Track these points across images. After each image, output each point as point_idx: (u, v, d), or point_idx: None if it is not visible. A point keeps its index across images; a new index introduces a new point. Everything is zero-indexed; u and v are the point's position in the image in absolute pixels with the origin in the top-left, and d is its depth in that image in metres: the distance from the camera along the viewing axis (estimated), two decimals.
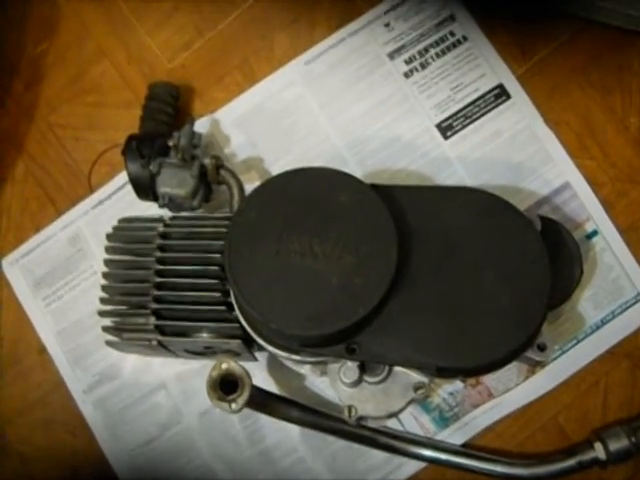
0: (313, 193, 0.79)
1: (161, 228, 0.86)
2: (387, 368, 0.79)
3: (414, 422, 0.93)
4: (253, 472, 0.94)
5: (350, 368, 0.78)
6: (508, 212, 0.81)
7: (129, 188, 0.92)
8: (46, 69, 1.05)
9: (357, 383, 0.79)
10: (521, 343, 0.77)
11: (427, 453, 0.90)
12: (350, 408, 0.79)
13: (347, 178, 0.80)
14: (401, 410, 0.80)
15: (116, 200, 1.00)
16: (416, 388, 0.79)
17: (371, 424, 0.87)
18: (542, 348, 0.81)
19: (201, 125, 0.99)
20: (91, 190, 1.01)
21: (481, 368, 0.78)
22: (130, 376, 0.97)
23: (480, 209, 0.81)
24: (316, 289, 0.75)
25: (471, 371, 0.79)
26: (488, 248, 0.79)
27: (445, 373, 0.78)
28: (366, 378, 0.79)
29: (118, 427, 0.97)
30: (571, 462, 0.88)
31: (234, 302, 0.80)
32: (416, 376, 0.79)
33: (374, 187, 0.80)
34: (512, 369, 0.93)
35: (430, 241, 0.79)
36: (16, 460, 0.99)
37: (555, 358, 0.93)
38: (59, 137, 1.03)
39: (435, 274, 0.78)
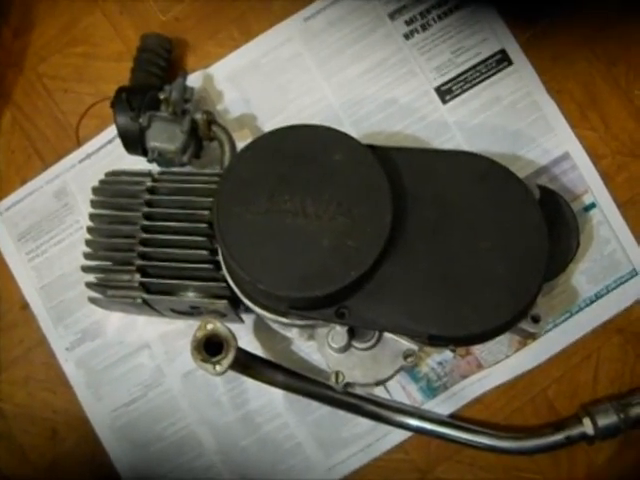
0: (307, 151, 0.77)
1: (149, 183, 0.83)
2: (377, 334, 0.77)
3: (401, 391, 0.92)
4: (236, 436, 0.93)
5: (339, 333, 0.76)
6: (507, 179, 0.79)
7: (118, 142, 0.89)
8: (36, 18, 1.02)
9: (345, 349, 0.77)
10: (515, 314, 0.75)
11: (413, 422, 0.88)
12: (337, 374, 0.77)
13: (342, 137, 0.77)
14: (389, 377, 0.79)
15: (104, 154, 0.98)
16: (405, 356, 0.77)
17: (358, 391, 0.85)
18: (536, 320, 0.79)
19: (194, 80, 0.96)
20: (79, 143, 0.98)
21: (473, 337, 0.76)
22: (114, 335, 0.95)
23: (479, 174, 0.79)
24: (307, 250, 0.73)
25: (463, 340, 0.77)
26: (485, 215, 0.77)
27: (436, 341, 0.76)
28: (355, 344, 0.77)
29: (100, 386, 0.95)
30: (559, 436, 0.87)
31: (222, 261, 0.78)
32: (406, 343, 0.77)
33: (370, 147, 0.78)
34: (503, 340, 0.91)
35: (426, 205, 0.77)
36: None
37: (547, 331, 0.92)
38: (48, 88, 1.00)
39: (430, 239, 0.76)
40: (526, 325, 0.79)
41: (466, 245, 0.76)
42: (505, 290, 0.75)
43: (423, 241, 0.76)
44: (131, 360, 0.95)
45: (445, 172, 0.79)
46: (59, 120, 1.00)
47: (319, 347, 0.79)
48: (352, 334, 0.77)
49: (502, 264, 0.75)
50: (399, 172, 0.78)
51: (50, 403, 0.96)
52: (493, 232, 0.76)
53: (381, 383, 0.80)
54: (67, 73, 1.00)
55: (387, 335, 0.78)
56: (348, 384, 0.78)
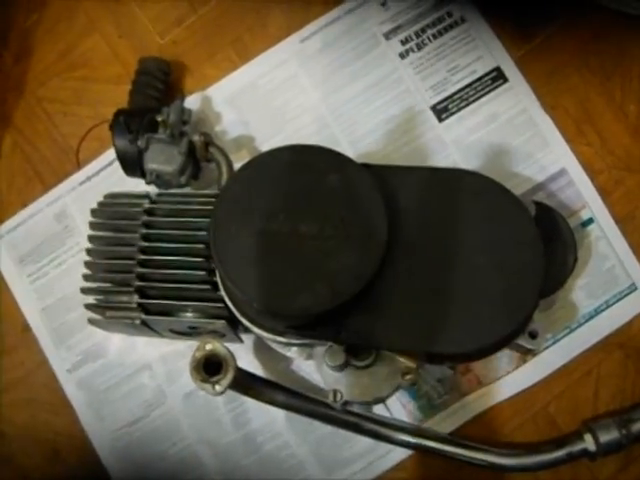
0: (302, 171, 0.77)
1: (147, 204, 0.84)
2: (374, 352, 0.77)
3: (401, 409, 0.92)
4: (237, 456, 0.93)
5: (336, 351, 0.76)
6: (502, 196, 0.79)
7: (117, 164, 0.90)
8: (35, 42, 1.03)
9: (343, 367, 0.77)
10: (512, 330, 0.75)
11: (413, 441, 0.87)
12: (335, 392, 0.77)
13: (337, 156, 0.78)
14: (388, 396, 0.79)
15: (104, 176, 0.98)
16: (404, 373, 0.77)
17: (357, 410, 0.85)
18: (534, 336, 0.79)
19: (192, 102, 0.97)
20: (79, 166, 0.99)
21: (470, 354, 0.76)
22: (115, 356, 0.95)
23: (474, 192, 0.79)
24: (302, 270, 0.73)
25: (460, 357, 0.77)
26: (481, 232, 0.77)
27: (434, 359, 0.76)
28: (353, 362, 0.77)
29: (101, 407, 0.95)
30: (560, 453, 0.87)
31: (219, 281, 0.79)
32: (404, 361, 0.77)
33: (365, 166, 0.78)
34: (502, 357, 0.91)
35: (422, 223, 0.77)
36: None
37: (547, 347, 0.91)
38: (47, 112, 1.01)
39: (425, 257, 0.76)
40: (524, 341, 0.79)
41: (462, 262, 0.76)
42: (501, 306, 0.75)
43: (418, 259, 0.76)
44: (132, 381, 0.95)
45: (439, 190, 0.79)
46: (59, 143, 1.01)
47: (317, 366, 0.79)
48: (350, 352, 0.76)
49: (498, 280, 0.75)
50: (394, 191, 0.78)
51: (52, 424, 0.97)
52: (489, 249, 0.76)
53: (380, 401, 0.80)
54: (66, 96, 1.01)
55: (385, 353, 0.77)
56: (346, 402, 0.78)
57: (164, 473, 0.94)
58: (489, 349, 0.76)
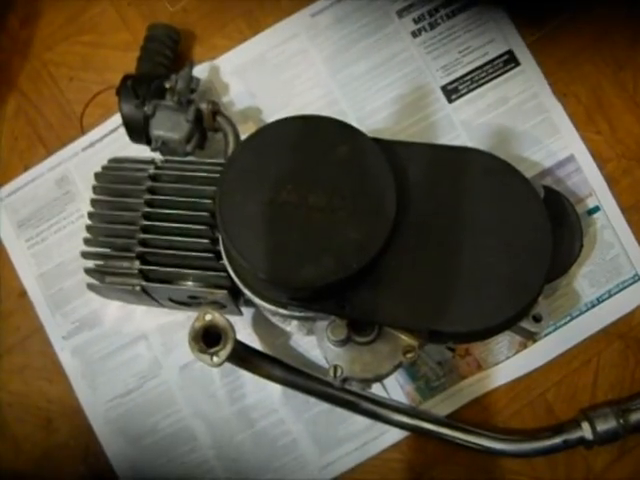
0: (312, 142, 0.76)
1: (152, 170, 0.83)
2: (377, 329, 0.76)
3: (399, 390, 0.91)
4: (231, 430, 0.92)
5: (339, 326, 0.75)
6: (513, 177, 0.78)
7: (122, 131, 0.89)
8: (43, 6, 1.02)
9: (345, 342, 0.76)
10: (517, 311, 0.74)
11: (410, 422, 0.87)
12: (336, 367, 0.76)
13: (348, 128, 0.76)
14: (388, 373, 0.77)
15: (107, 143, 0.97)
16: (405, 352, 0.76)
17: (356, 387, 0.84)
18: (537, 319, 0.79)
19: (200, 71, 0.96)
20: (82, 131, 0.98)
21: (473, 334, 0.75)
22: (111, 325, 0.95)
23: (485, 171, 0.78)
24: (308, 241, 0.72)
25: (463, 337, 0.76)
26: (489, 211, 0.76)
27: (436, 337, 0.75)
28: (355, 338, 0.76)
29: (96, 376, 0.94)
30: (557, 440, 0.86)
31: (222, 250, 0.78)
32: (406, 339, 0.76)
33: (376, 140, 0.77)
34: (503, 342, 0.91)
35: (430, 200, 0.76)
36: None
37: (547, 334, 0.91)
38: (53, 76, 1.00)
39: (433, 234, 0.75)
40: (527, 324, 0.78)
41: (469, 241, 0.75)
42: (507, 287, 0.74)
43: (426, 235, 0.75)
44: (128, 351, 0.94)
45: (450, 167, 0.78)
46: (64, 108, 1.00)
47: (318, 340, 0.77)
48: (352, 328, 0.76)
49: (505, 261, 0.74)
50: (404, 166, 0.77)
51: (45, 392, 0.96)
52: (496, 228, 0.76)
53: (380, 379, 0.78)
54: (73, 61, 1.00)
55: (387, 330, 0.76)
56: (346, 379, 0.77)
57: (157, 445, 0.93)
58: (493, 330, 0.75)
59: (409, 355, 0.76)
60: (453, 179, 0.78)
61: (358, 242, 0.72)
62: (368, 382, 0.79)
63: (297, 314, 0.77)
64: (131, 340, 0.94)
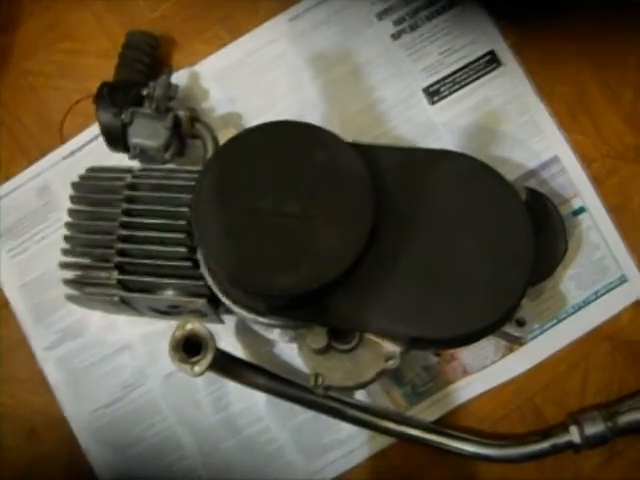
0: (288, 148, 0.75)
1: (129, 179, 0.82)
2: (358, 336, 0.75)
3: (385, 396, 0.90)
4: (216, 439, 0.91)
5: (318, 333, 0.74)
6: (493, 179, 0.77)
7: (102, 140, 0.88)
8: (22, 15, 1.01)
9: (325, 350, 0.75)
10: (499, 316, 0.73)
11: (396, 428, 0.87)
12: (317, 376, 0.75)
13: (324, 134, 0.76)
14: (371, 381, 0.77)
15: (88, 152, 0.97)
16: (387, 358, 0.75)
17: (339, 395, 0.84)
18: (521, 323, 0.78)
19: (179, 78, 0.95)
20: (62, 140, 0.97)
21: (455, 340, 0.75)
22: (94, 335, 0.94)
23: (464, 174, 0.77)
24: (285, 249, 0.72)
25: (445, 342, 0.76)
26: (470, 214, 0.76)
27: (418, 343, 0.74)
28: (335, 345, 0.75)
29: (80, 387, 0.93)
30: (545, 445, 0.85)
31: (201, 259, 0.77)
32: (388, 346, 0.75)
33: (353, 145, 0.76)
34: (489, 346, 0.90)
35: (410, 204, 0.76)
36: None
37: (534, 337, 0.90)
38: (32, 85, 1.00)
39: (413, 239, 0.74)
40: (511, 329, 0.77)
41: (450, 245, 0.75)
42: (489, 291, 0.73)
43: (406, 240, 0.74)
44: (112, 361, 0.93)
45: (430, 171, 0.77)
46: (44, 117, 0.99)
47: (298, 349, 0.77)
48: (332, 335, 0.75)
49: (486, 265, 0.74)
50: (382, 170, 0.76)
51: (30, 403, 0.95)
52: (478, 232, 0.75)
53: (362, 386, 0.77)
54: (52, 70, 1.00)
55: (368, 337, 0.76)
56: (328, 387, 0.76)
57: (143, 455, 0.92)
58: (475, 335, 0.75)
59: (391, 362, 0.75)
60: (433, 183, 0.77)
61: (335, 249, 0.71)
62: (350, 390, 0.79)
63: (276, 322, 0.77)
64: (115, 350, 0.93)
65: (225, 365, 0.82)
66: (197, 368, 0.75)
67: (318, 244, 0.71)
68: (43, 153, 0.98)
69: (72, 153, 0.97)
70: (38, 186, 0.97)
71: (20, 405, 0.95)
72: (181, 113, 0.85)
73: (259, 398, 0.90)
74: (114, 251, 0.79)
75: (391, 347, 0.75)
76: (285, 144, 0.75)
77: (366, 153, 0.76)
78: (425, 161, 0.78)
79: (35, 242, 0.96)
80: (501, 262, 0.74)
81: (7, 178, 0.98)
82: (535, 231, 0.76)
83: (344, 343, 0.75)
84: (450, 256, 0.74)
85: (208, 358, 0.76)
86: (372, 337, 0.76)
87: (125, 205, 0.80)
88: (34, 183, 0.97)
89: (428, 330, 0.73)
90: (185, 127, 0.86)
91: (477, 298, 0.73)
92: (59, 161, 0.97)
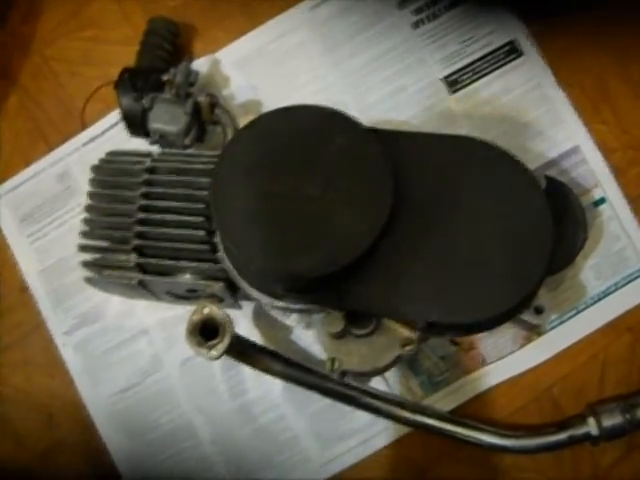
0: (307, 131, 0.75)
1: (149, 162, 0.82)
2: (375, 321, 0.75)
3: (402, 385, 0.90)
4: (232, 426, 0.91)
5: (335, 318, 0.74)
6: (513, 166, 0.77)
7: (122, 126, 0.89)
8: (44, 2, 1.02)
9: (342, 335, 0.75)
10: (517, 302, 0.73)
11: (413, 418, 0.86)
12: (333, 361, 0.75)
13: (344, 118, 0.76)
14: (387, 367, 0.76)
15: (108, 138, 0.97)
16: (403, 344, 0.75)
17: (355, 381, 0.83)
18: (539, 311, 0.77)
19: (200, 65, 0.96)
20: (83, 127, 0.98)
21: (472, 326, 0.74)
22: (112, 320, 0.94)
23: (484, 160, 0.77)
24: (303, 233, 0.72)
25: (462, 328, 0.75)
26: (489, 201, 0.75)
27: (435, 329, 0.74)
28: (352, 330, 0.75)
29: (97, 372, 0.94)
30: (562, 436, 0.84)
31: (219, 242, 0.77)
32: (404, 331, 0.75)
33: (373, 131, 0.76)
34: (507, 336, 0.89)
35: (429, 189, 0.75)
36: None
37: (553, 327, 0.89)
38: (54, 71, 1.00)
39: (432, 224, 0.74)
40: (529, 316, 0.77)
41: (468, 230, 0.74)
42: (507, 278, 0.73)
43: (425, 225, 0.74)
44: (129, 346, 0.94)
45: (449, 156, 0.77)
46: (65, 103, 0.99)
47: (315, 333, 0.77)
48: (349, 320, 0.75)
49: (505, 251, 0.73)
50: (401, 155, 0.76)
51: (47, 388, 0.95)
52: (496, 218, 0.74)
53: (378, 372, 0.77)
54: (74, 56, 1.00)
55: (386, 322, 0.75)
56: (345, 372, 0.76)
57: (158, 441, 0.92)
58: (492, 321, 0.74)
59: (408, 348, 0.75)
60: (452, 168, 0.77)
61: (353, 233, 0.71)
62: (366, 375, 0.78)
63: (293, 306, 0.77)
64: (132, 335, 0.94)
65: (242, 350, 0.82)
66: (214, 352, 0.75)
67: (336, 227, 0.71)
68: (64, 139, 0.98)
69: (92, 139, 0.98)
70: (58, 172, 0.98)
71: (38, 389, 0.96)
72: (201, 99, 0.86)
73: (275, 385, 0.90)
74: (132, 234, 0.80)
75: (408, 333, 0.75)
76: (304, 128, 0.75)
77: (386, 138, 0.76)
78: (446, 146, 0.78)
79: (54, 227, 0.96)
80: (520, 248, 0.73)
81: (27, 164, 0.98)
82: (555, 220, 0.75)
83: (361, 328, 0.75)
84: (469, 242, 0.74)
85: (225, 342, 0.75)
86: (389, 322, 0.75)
87: (144, 188, 0.81)
88: (54, 169, 0.98)
89: (445, 315, 0.72)
90: (205, 113, 0.86)
91: (495, 284, 0.72)
92: (79, 147, 0.98)
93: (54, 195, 0.97)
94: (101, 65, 0.99)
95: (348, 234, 0.71)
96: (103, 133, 0.97)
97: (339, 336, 0.75)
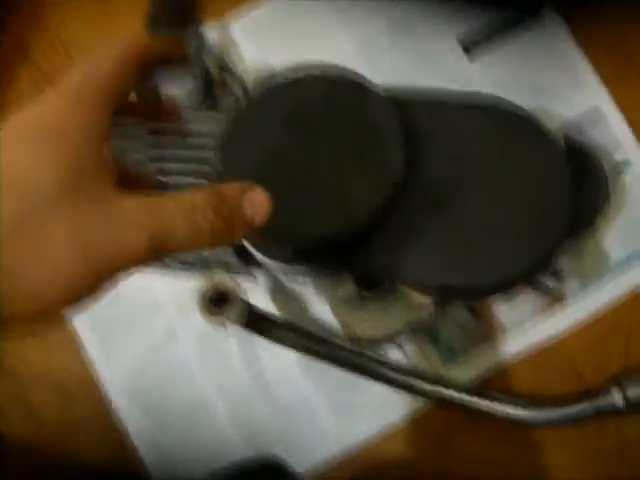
0: (319, 96, 0.74)
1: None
2: (388, 285, 0.74)
3: (419, 355, 0.88)
4: (249, 401, 0.89)
5: (346, 282, 0.73)
6: (530, 125, 0.75)
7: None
8: None
9: (354, 300, 0.74)
10: (533, 263, 0.71)
11: (431, 389, 0.84)
12: (346, 326, 0.74)
13: (357, 83, 0.74)
14: (401, 332, 0.75)
15: None
16: (418, 309, 0.73)
17: (369, 348, 0.81)
18: (558, 276, 0.75)
19: (211, 33, 0.93)
20: None
21: (487, 288, 0.72)
22: (129, 295, 0.92)
23: (500, 120, 0.75)
24: (313, 198, 0.71)
25: (476, 291, 0.73)
26: (505, 161, 0.73)
27: (448, 293, 0.72)
28: (364, 295, 0.74)
29: (113, 348, 0.93)
30: (585, 407, 0.82)
31: None
32: (418, 296, 0.73)
33: (386, 96, 0.75)
34: (528, 303, 0.86)
35: (444, 152, 0.74)
36: (12, 377, 0.95)
37: (575, 295, 0.86)
38: (68, 49, 0.99)
39: (445, 186, 0.72)
40: (548, 280, 0.75)
41: (484, 193, 0.72)
42: (523, 238, 0.71)
43: (437, 188, 0.72)
44: (144, 320, 0.92)
45: (467, 118, 0.75)
46: None
47: (327, 300, 0.76)
48: (361, 284, 0.73)
49: (521, 212, 0.72)
50: (416, 120, 0.74)
51: (63, 365, 0.94)
52: (513, 179, 0.73)
53: (392, 339, 0.76)
54: (87, 33, 0.99)
55: (399, 287, 0.74)
56: (359, 338, 0.75)
57: (175, 418, 0.91)
58: (508, 284, 0.72)
59: (422, 313, 0.73)
60: (469, 128, 0.75)
61: (365, 199, 0.70)
62: (380, 342, 0.77)
63: (303, 271, 0.75)
64: (147, 308, 0.92)
65: (255, 320, 0.81)
66: (225, 319, 0.74)
67: (347, 194, 0.70)
68: None
69: None
70: None
71: (54, 367, 0.94)
72: (209, 62, 0.85)
73: (291, 357, 0.88)
74: None
75: (422, 298, 0.73)
76: (317, 92, 0.74)
77: (401, 103, 0.74)
78: (459, 107, 0.76)
79: None
80: (536, 208, 0.72)
81: None
82: (575, 180, 0.73)
83: (374, 293, 0.74)
84: (483, 203, 0.72)
85: (236, 309, 0.74)
86: (403, 287, 0.74)
87: (149, 150, 0.80)
88: None
89: (458, 277, 0.71)
90: (215, 77, 0.85)
91: (511, 245, 0.71)
92: None
93: None
94: (113, 37, 0.97)
95: (359, 201, 0.70)
96: None
97: (350, 302, 0.74)
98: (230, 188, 0.49)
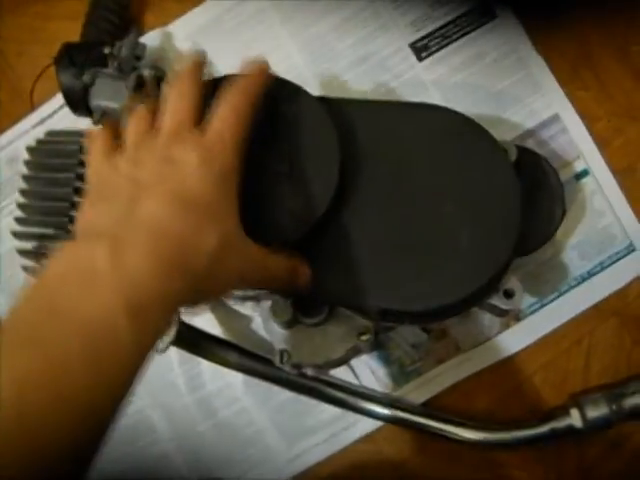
0: None
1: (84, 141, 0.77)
2: (327, 309, 0.70)
3: (370, 376, 0.83)
4: (192, 421, 0.85)
5: (282, 305, 0.69)
6: (477, 135, 0.71)
7: None
8: None
9: (291, 324, 0.70)
10: (480, 286, 0.67)
11: (383, 411, 0.80)
12: (282, 352, 0.70)
13: (289, 87, 0.70)
14: (343, 359, 0.71)
15: (58, 119, 0.91)
16: (360, 333, 0.69)
17: (312, 373, 0.77)
18: (510, 295, 0.71)
19: (152, 38, 0.89)
20: (32, 108, 0.93)
21: (431, 313, 0.68)
22: None
23: (444, 129, 0.71)
24: (241, 210, 0.66)
25: (418, 316, 0.69)
26: (450, 175, 0.69)
27: (389, 317, 0.68)
28: (302, 319, 0.70)
29: None
30: (543, 429, 0.78)
31: None
32: (360, 319, 0.70)
33: (324, 99, 0.71)
34: (483, 321, 0.82)
35: (383, 163, 0.69)
36: None
37: (533, 312, 0.82)
38: (2, 51, 0.95)
39: (385, 202, 0.68)
40: (498, 301, 0.71)
41: (427, 209, 0.68)
42: (469, 260, 0.67)
43: (376, 203, 0.68)
44: None
45: (406, 126, 0.71)
46: (14, 84, 0.94)
47: (263, 322, 0.72)
48: (299, 308, 0.69)
49: (466, 231, 0.67)
50: (355, 127, 0.70)
51: None
52: (458, 195, 0.69)
53: (333, 364, 0.72)
54: (22, 35, 0.94)
55: (340, 310, 0.70)
56: (298, 365, 0.71)
57: (116, 437, 0.86)
58: (454, 308, 0.68)
59: (364, 337, 0.70)
60: (408, 139, 0.71)
61: (296, 212, 0.66)
62: (321, 368, 0.73)
63: (238, 293, 0.71)
64: None
65: (193, 341, 0.77)
66: (160, 344, 0.70)
67: (278, 205, 0.66)
68: (14, 122, 0.93)
69: (42, 120, 0.92)
70: (9, 156, 0.92)
71: None
72: (145, 72, 0.80)
73: (235, 378, 0.84)
74: (68, 219, 0.75)
75: (364, 321, 0.69)
76: None
77: (337, 107, 0.70)
78: (402, 116, 0.72)
79: (5, 215, 0.91)
80: (483, 229, 0.67)
81: None
82: (528, 194, 0.70)
83: (312, 316, 0.70)
84: (427, 221, 0.68)
85: (171, 333, 0.71)
86: (344, 310, 0.70)
87: (79, 170, 0.75)
88: (4, 154, 0.92)
89: (399, 302, 0.67)
90: (150, 87, 0.81)
91: (455, 267, 0.67)
92: (29, 130, 0.92)
93: (5, 181, 0.91)
94: (50, 43, 0.90)
95: (291, 213, 0.66)
96: (53, 114, 0.92)
97: (289, 326, 0.70)
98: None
